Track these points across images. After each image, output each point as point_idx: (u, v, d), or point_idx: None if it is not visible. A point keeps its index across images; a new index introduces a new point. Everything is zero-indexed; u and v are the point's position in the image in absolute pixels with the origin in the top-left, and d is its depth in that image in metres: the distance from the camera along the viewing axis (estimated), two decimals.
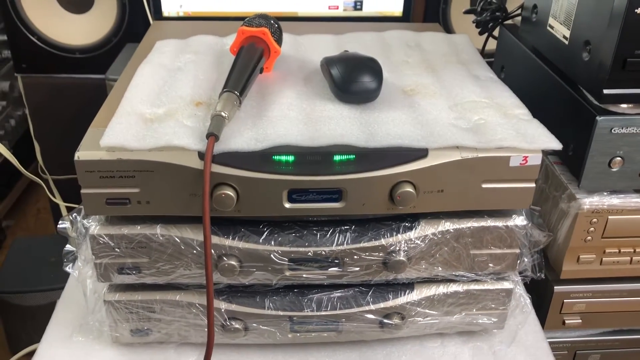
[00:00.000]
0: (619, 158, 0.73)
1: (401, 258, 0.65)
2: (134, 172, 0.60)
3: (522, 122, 0.67)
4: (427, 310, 0.70)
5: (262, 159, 0.61)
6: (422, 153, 0.62)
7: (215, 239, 0.64)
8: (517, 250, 0.68)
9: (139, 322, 0.69)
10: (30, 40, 1.66)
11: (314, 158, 0.61)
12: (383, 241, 0.65)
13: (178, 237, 0.64)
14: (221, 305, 0.68)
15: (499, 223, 0.66)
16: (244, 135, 0.62)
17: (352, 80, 0.68)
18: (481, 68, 0.80)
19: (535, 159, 0.62)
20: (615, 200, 0.76)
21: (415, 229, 0.66)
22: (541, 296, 0.86)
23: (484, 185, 0.63)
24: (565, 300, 0.84)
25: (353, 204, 0.62)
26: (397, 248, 0.65)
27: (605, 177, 0.75)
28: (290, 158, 0.61)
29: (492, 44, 1.06)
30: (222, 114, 0.61)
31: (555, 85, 0.81)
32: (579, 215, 0.76)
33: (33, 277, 1.43)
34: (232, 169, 0.60)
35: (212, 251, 0.64)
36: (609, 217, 0.77)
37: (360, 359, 0.72)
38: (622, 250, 0.81)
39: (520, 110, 0.69)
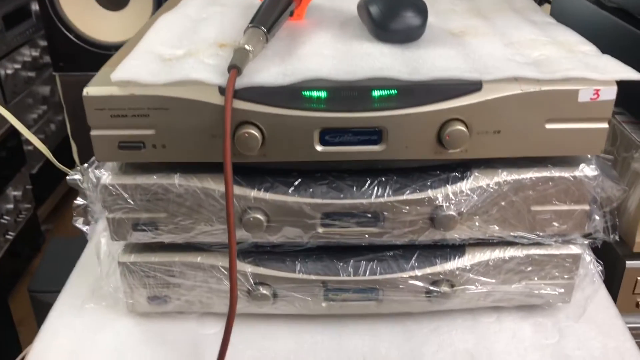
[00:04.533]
0: None
1: (451, 213, 0.57)
2: (148, 110, 0.54)
3: (590, 57, 0.58)
4: (480, 278, 0.61)
5: (290, 94, 0.53)
6: (475, 86, 0.53)
7: (238, 190, 0.57)
8: (587, 207, 0.59)
9: (157, 287, 0.62)
10: (67, 37, 1.65)
11: (349, 93, 0.54)
12: (430, 193, 0.57)
13: (198, 187, 0.57)
14: (247, 268, 0.60)
15: (566, 173, 0.57)
16: (271, 70, 0.55)
17: (394, 16, 0.61)
18: (538, 14, 0.72)
19: (609, 93, 0.53)
20: None
21: (468, 179, 0.57)
22: (611, 273, 0.76)
23: (547, 126, 0.55)
24: (639, 278, 0.74)
25: (395, 147, 0.55)
26: (446, 201, 0.57)
27: None
28: (323, 94, 0.54)
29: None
30: (246, 47, 0.55)
31: (623, 31, 0.72)
32: None
33: (68, 276, 1.39)
34: (257, 105, 0.53)
35: (236, 203, 0.57)
36: None
37: (405, 334, 0.63)
38: None
39: (588, 47, 0.61)
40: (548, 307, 0.65)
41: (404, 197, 0.57)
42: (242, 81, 0.53)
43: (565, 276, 0.62)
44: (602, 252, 0.72)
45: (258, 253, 0.61)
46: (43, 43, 1.98)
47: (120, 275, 0.62)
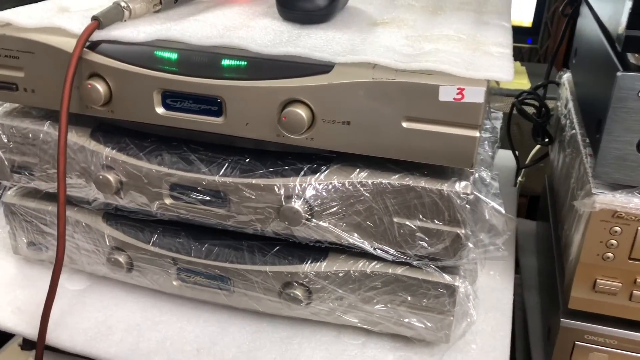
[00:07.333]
0: None
1: (295, 206, 0.51)
2: (18, 52, 0.55)
3: (488, 56, 0.50)
4: (339, 290, 0.55)
5: (142, 52, 0.52)
6: (324, 68, 0.48)
7: (94, 145, 0.56)
8: (458, 230, 0.50)
9: (34, 234, 0.63)
10: None
11: (199, 59, 0.51)
12: (275, 180, 0.52)
13: None
14: (105, 229, 0.59)
15: (431, 185, 0.49)
16: (138, 27, 0.54)
17: None
18: (499, 17, 0.63)
19: (475, 95, 0.45)
20: None
21: (321, 172, 0.51)
22: (552, 333, 0.64)
23: (404, 125, 0.47)
24: (577, 342, 0.61)
25: (235, 122, 0.51)
26: (291, 193, 0.51)
27: (635, 165, 0.53)
28: (174, 55, 0.51)
29: None
30: (121, 3, 0.54)
31: (600, 47, 0.60)
32: (592, 217, 0.55)
33: None
34: (107, 59, 0.52)
35: (90, 158, 0.56)
36: None
37: (253, 334, 0.58)
38: None
39: (499, 49, 0.52)
40: (426, 345, 0.56)
41: (247, 180, 0.52)
42: (100, 34, 0.53)
43: (440, 309, 0.54)
44: (550, 304, 0.61)
45: (121, 217, 0.60)
46: None
47: (4, 215, 0.64)
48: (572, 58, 0.81)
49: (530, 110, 0.83)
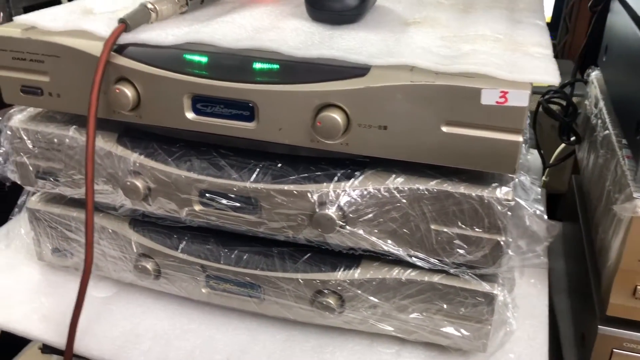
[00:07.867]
0: None
1: (329, 213, 0.50)
2: (43, 56, 0.54)
3: (528, 57, 0.48)
4: (373, 298, 0.53)
5: (171, 55, 0.50)
6: (360, 71, 0.46)
7: (121, 151, 0.55)
8: (498, 238, 0.48)
9: (59, 240, 0.62)
10: None
11: (230, 62, 0.49)
12: (308, 187, 0.50)
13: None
14: (132, 236, 0.58)
15: (470, 191, 0.48)
16: (166, 30, 0.52)
17: None
18: (533, 16, 0.61)
19: (520, 98, 0.43)
20: None
21: (356, 178, 0.50)
22: (588, 339, 0.62)
23: (444, 129, 0.46)
24: (615, 350, 0.60)
25: (267, 127, 0.49)
26: (325, 199, 0.50)
27: None
28: (204, 59, 0.50)
29: None
30: (148, 5, 0.53)
31: (639, 45, 0.58)
32: (633, 222, 0.53)
33: None
34: (134, 62, 0.51)
35: (117, 164, 0.55)
36: None
37: (284, 342, 0.57)
38: None
39: (540, 49, 0.50)
40: (462, 354, 0.55)
41: (279, 186, 0.51)
42: (128, 37, 0.51)
43: (477, 318, 0.52)
44: (583, 309, 0.60)
45: (148, 224, 0.59)
46: None
47: (29, 221, 0.63)
48: (602, 55, 0.79)
49: (554, 108, 0.81)
